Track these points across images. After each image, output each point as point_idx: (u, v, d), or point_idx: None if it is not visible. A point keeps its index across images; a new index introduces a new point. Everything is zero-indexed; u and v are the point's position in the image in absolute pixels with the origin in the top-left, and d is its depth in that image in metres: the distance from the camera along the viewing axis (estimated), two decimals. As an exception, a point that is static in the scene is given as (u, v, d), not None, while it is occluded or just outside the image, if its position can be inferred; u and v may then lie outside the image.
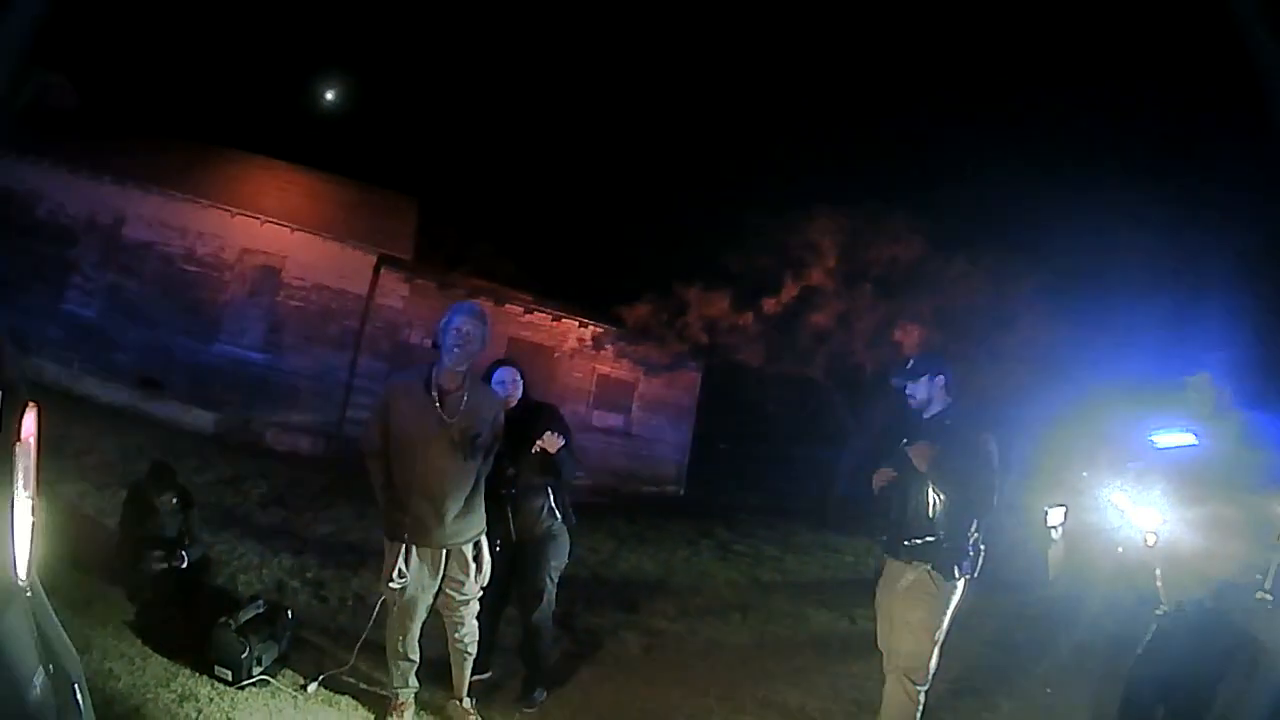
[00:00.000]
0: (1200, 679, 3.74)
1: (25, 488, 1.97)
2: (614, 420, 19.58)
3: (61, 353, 14.06)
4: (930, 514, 4.10)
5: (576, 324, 19.05)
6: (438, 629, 4.35)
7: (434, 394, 4.03)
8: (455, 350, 3.99)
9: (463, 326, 3.99)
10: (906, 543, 4.16)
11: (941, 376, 4.36)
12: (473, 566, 4.18)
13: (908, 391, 4.40)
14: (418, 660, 4.27)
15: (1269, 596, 3.61)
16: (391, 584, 4.06)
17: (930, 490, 4.10)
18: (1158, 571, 4.04)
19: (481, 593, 4.30)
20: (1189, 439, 4.09)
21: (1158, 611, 3.99)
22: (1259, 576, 3.65)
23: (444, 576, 4.13)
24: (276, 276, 16.49)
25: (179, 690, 4.09)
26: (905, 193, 17.90)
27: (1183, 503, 3.87)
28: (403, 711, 4.23)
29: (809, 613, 8.18)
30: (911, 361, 4.58)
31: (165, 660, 4.40)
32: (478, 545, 4.22)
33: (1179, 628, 3.79)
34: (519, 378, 4.89)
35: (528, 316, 18.56)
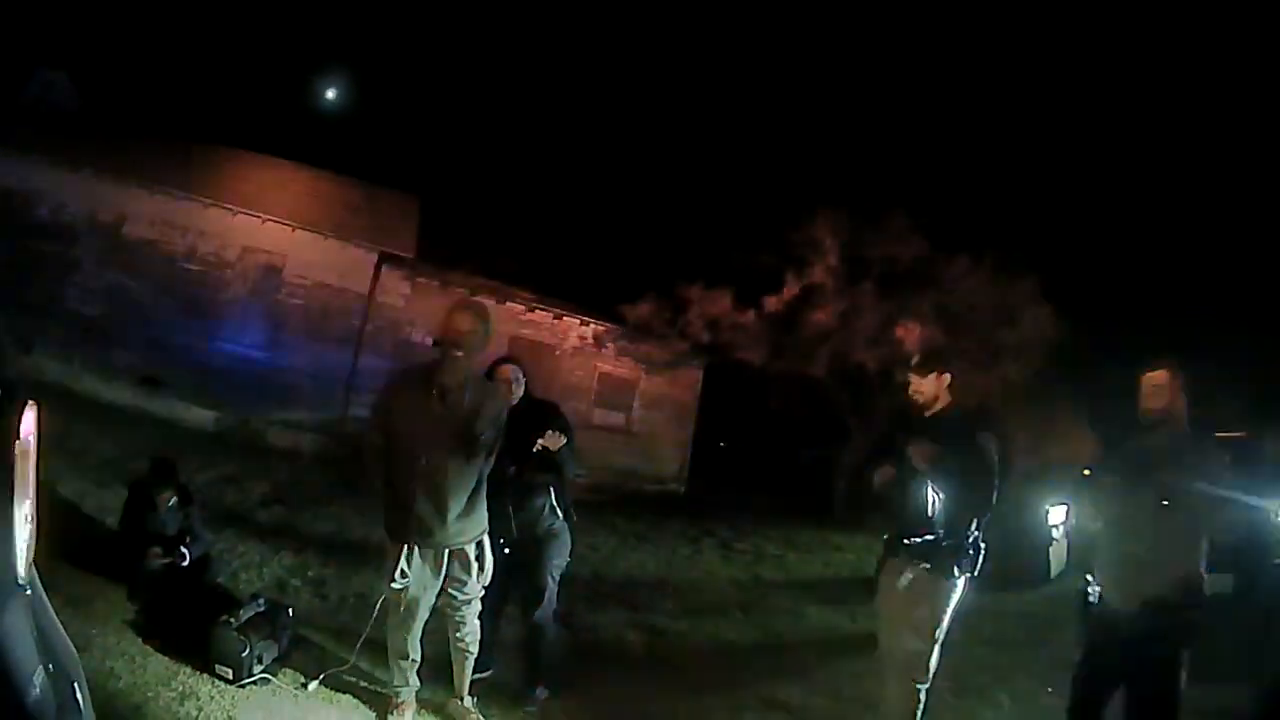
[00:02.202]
0: (1158, 673, 3.64)
1: (25, 486, 1.97)
2: (615, 418, 19.61)
3: (62, 351, 14.06)
4: (930, 512, 4.09)
5: (578, 322, 19.09)
6: (439, 628, 4.34)
7: (435, 392, 4.01)
8: (456, 350, 3.97)
9: (464, 324, 3.97)
10: (906, 541, 4.15)
11: (947, 375, 4.35)
12: (475, 566, 4.17)
13: (913, 388, 4.38)
14: (419, 659, 4.26)
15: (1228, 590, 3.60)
16: (394, 584, 4.05)
17: (930, 489, 4.09)
18: (1091, 575, 3.95)
19: (483, 592, 4.29)
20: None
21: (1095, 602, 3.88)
22: (1206, 573, 3.64)
23: (446, 576, 4.12)
24: (278, 275, 16.53)
25: (180, 689, 4.09)
26: (907, 191, 17.90)
27: (1135, 501, 3.76)
28: (403, 710, 4.22)
29: (810, 611, 8.19)
30: (918, 357, 4.55)
31: (166, 659, 4.39)
32: (480, 545, 4.21)
33: (1130, 623, 3.64)
34: (521, 376, 4.88)
35: (529, 315, 18.59)
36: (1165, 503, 3.56)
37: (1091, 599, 3.85)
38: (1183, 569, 3.58)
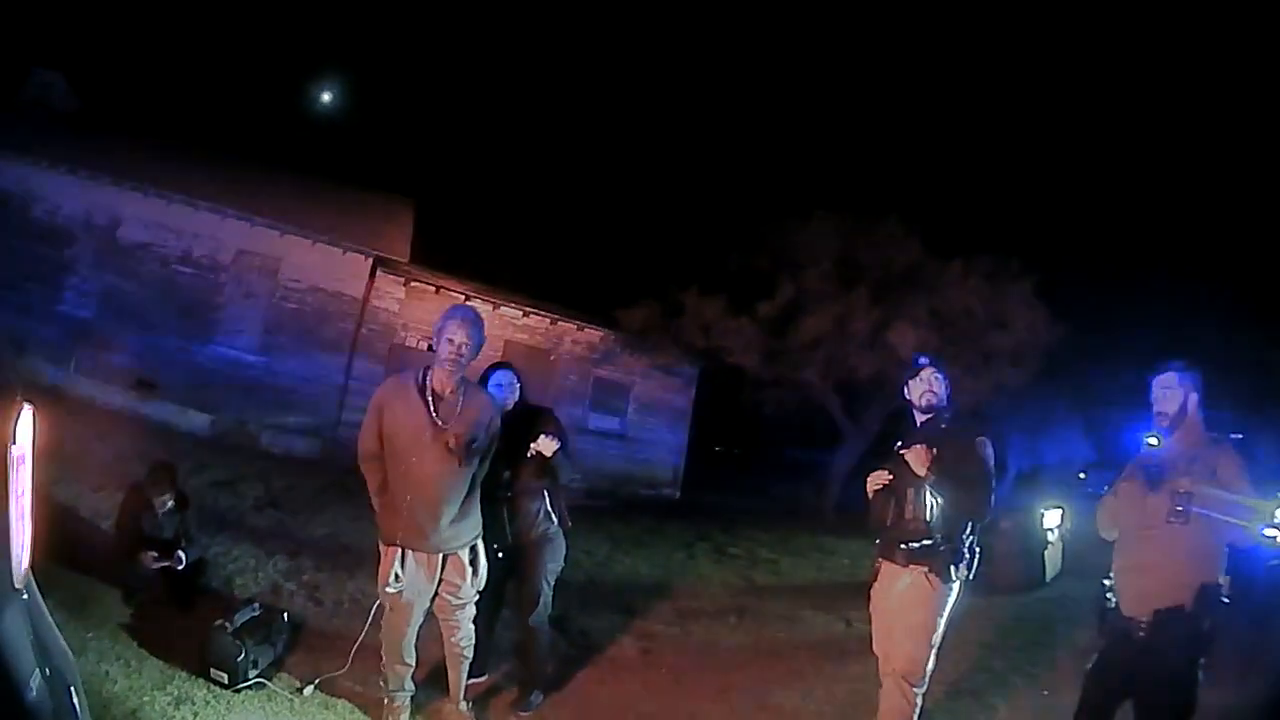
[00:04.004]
0: (1173, 683, 3.58)
1: (20, 490, 1.96)
2: (610, 423, 19.60)
3: (57, 354, 14.02)
4: (928, 517, 4.08)
5: (573, 327, 19.08)
6: (434, 632, 4.34)
7: (428, 398, 4.02)
8: (450, 360, 3.98)
9: (455, 336, 3.98)
10: (903, 546, 4.14)
11: (948, 382, 4.36)
12: (469, 570, 4.18)
13: (928, 389, 4.34)
14: (414, 664, 4.26)
15: (1226, 599, 3.50)
16: (388, 588, 4.05)
17: (927, 493, 4.09)
18: (1109, 580, 3.82)
19: (478, 596, 4.30)
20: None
21: (1112, 607, 3.76)
22: (1222, 579, 3.51)
23: (440, 580, 4.13)
24: (272, 278, 16.49)
25: (175, 693, 4.08)
26: (900, 196, 17.97)
27: (1149, 509, 3.61)
28: (399, 715, 4.22)
29: (804, 615, 8.18)
30: (932, 358, 4.52)
31: (161, 663, 4.39)
32: (474, 549, 4.22)
33: (1143, 632, 3.54)
34: (516, 381, 4.89)
35: (524, 319, 18.58)
36: (1179, 509, 3.45)
37: (1109, 603, 3.78)
38: (1198, 578, 3.47)
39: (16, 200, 14.95)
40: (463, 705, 4.42)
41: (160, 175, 15.94)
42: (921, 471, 4.05)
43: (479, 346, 4.08)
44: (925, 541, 4.08)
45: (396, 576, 4.03)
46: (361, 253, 16.83)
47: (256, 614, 4.77)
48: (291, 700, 4.35)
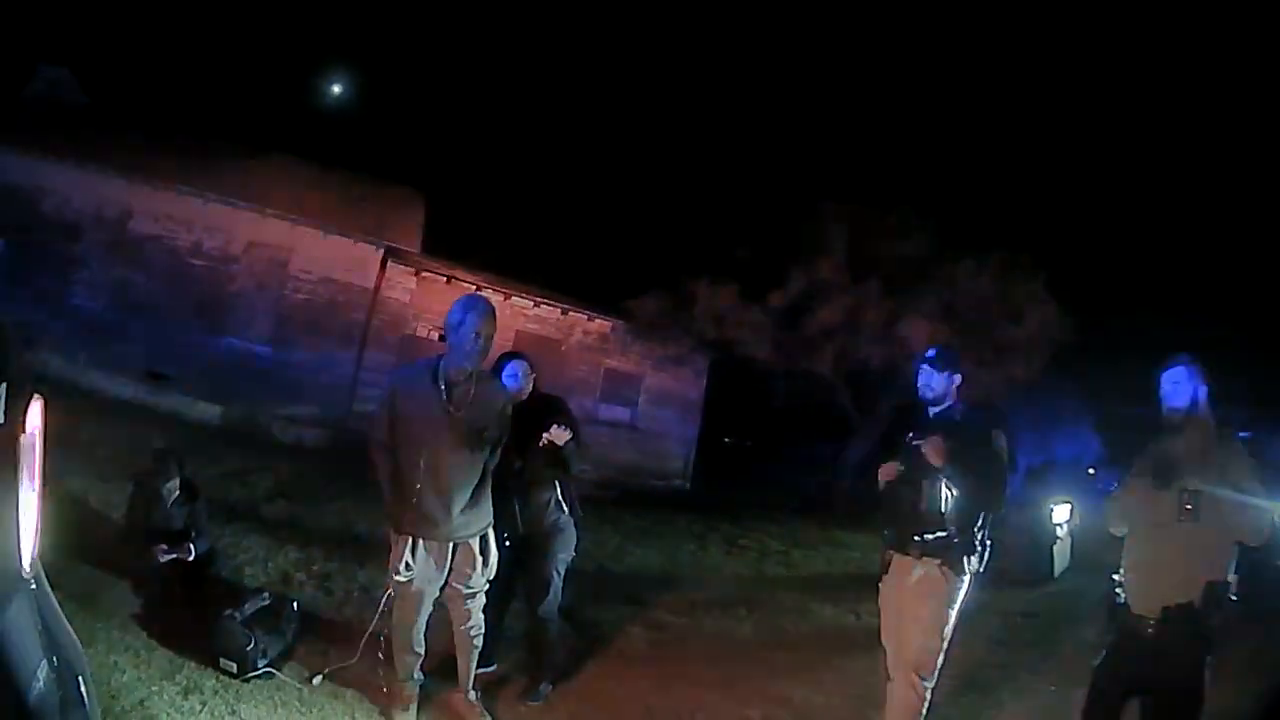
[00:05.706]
0: (1182, 679, 3.56)
1: (30, 480, 1.97)
2: (621, 413, 19.60)
3: (68, 346, 14.08)
4: (942, 509, 4.07)
5: (584, 317, 19.08)
6: (443, 622, 4.34)
7: (441, 386, 4.01)
8: (466, 353, 3.96)
9: (470, 332, 3.95)
10: (917, 538, 4.12)
11: (958, 376, 4.33)
12: (479, 560, 4.18)
13: (923, 380, 4.33)
14: (423, 653, 4.27)
15: (1235, 597, 3.48)
16: (398, 577, 4.06)
17: (942, 485, 4.07)
18: (1118, 575, 3.79)
19: (488, 586, 4.30)
20: None
21: (1121, 604, 3.80)
22: (1231, 578, 3.49)
23: (450, 570, 4.13)
24: (283, 270, 16.52)
25: (184, 683, 4.09)
26: (913, 188, 17.90)
27: (1159, 506, 3.59)
28: (408, 704, 4.22)
29: (814, 607, 8.18)
30: (935, 351, 4.50)
31: (170, 653, 4.40)
32: (484, 538, 4.21)
33: (1152, 629, 3.51)
34: (530, 371, 4.88)
35: (535, 310, 18.59)
36: (1189, 507, 3.43)
37: (1118, 600, 3.77)
38: (1207, 576, 3.45)
39: (26, 194, 15.01)
40: (471, 695, 4.42)
41: (170, 167, 15.98)
42: (939, 463, 4.03)
43: (491, 336, 4.06)
44: (940, 533, 4.07)
45: (407, 565, 4.04)
46: (372, 243, 16.85)
47: (266, 603, 4.78)
48: (301, 690, 4.36)
